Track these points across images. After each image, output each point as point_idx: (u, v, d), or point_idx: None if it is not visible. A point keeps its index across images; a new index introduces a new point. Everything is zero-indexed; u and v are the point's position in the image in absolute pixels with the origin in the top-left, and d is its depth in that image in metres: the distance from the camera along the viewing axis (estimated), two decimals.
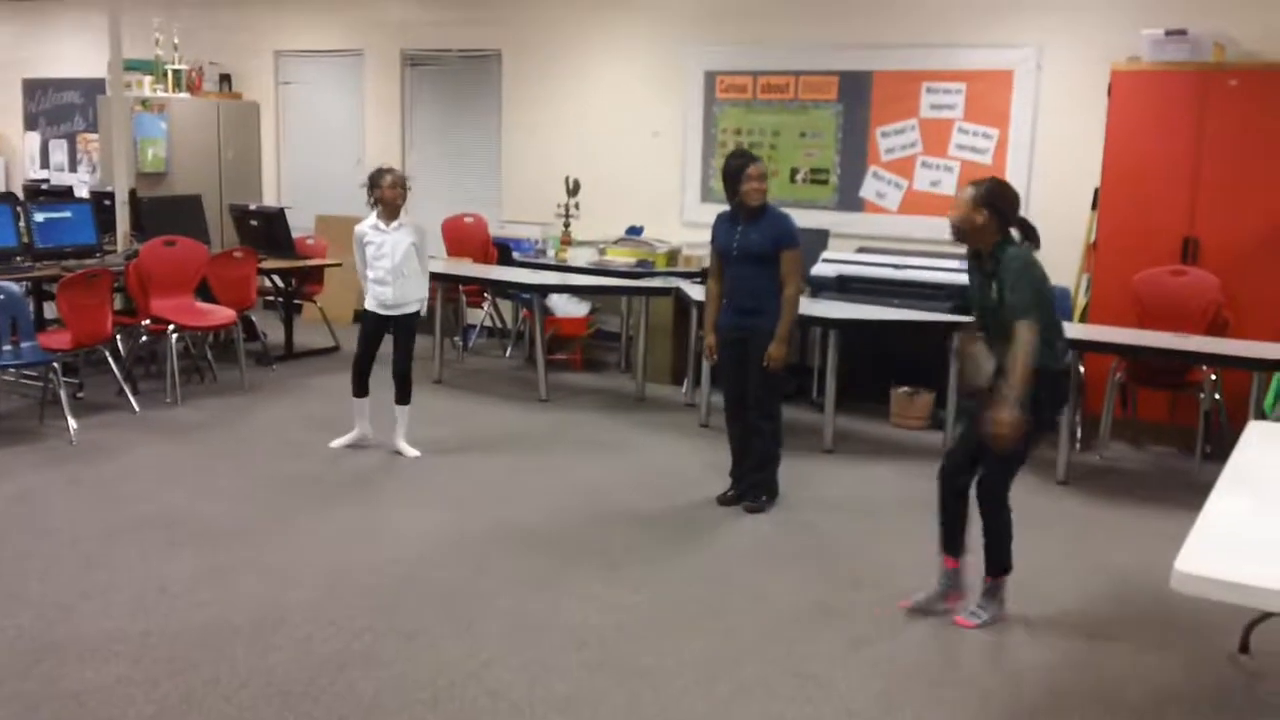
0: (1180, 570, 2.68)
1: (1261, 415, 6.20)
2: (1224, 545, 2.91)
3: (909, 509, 5.79)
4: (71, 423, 6.57)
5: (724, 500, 5.76)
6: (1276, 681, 3.96)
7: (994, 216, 4.23)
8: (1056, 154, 7.62)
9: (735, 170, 5.54)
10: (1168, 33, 6.81)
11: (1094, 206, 7.01)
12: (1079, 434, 6.72)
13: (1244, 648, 4.23)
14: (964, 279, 7.19)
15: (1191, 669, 4.10)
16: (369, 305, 6.29)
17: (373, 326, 6.30)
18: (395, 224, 6.16)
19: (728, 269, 5.64)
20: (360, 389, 6.41)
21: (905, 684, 3.91)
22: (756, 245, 5.50)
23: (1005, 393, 4.12)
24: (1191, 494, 5.74)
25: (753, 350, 5.55)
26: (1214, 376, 6.55)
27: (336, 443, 6.46)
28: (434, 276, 7.96)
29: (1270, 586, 2.63)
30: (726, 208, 5.69)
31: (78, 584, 4.54)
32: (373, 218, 6.21)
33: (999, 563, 4.47)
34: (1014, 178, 7.73)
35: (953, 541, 4.53)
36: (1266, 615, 4.11)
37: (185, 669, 3.84)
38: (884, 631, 4.32)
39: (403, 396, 6.36)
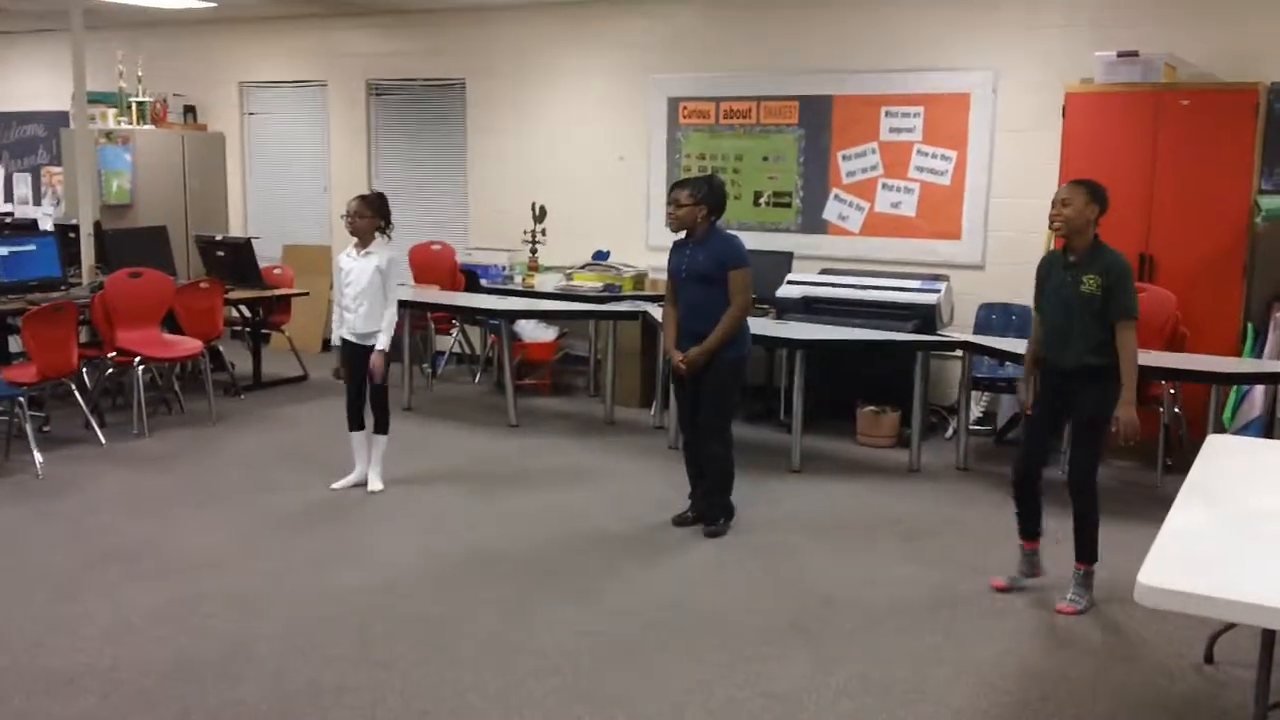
0: (1144, 583, 2.72)
1: (1220, 428, 6.30)
2: (1186, 558, 2.95)
3: (878, 526, 5.83)
4: (38, 456, 6.53)
5: (680, 521, 5.78)
6: (1241, 691, 4.01)
7: (1100, 214, 4.59)
8: (1013, 175, 7.73)
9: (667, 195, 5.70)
10: (1120, 54, 6.93)
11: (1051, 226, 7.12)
12: None
13: (1209, 658, 4.29)
14: (925, 298, 7.37)
15: (1157, 680, 4.15)
16: (342, 333, 6.20)
17: (348, 355, 6.23)
18: (365, 251, 6.14)
19: (680, 293, 5.70)
20: (353, 423, 6.32)
21: (875, 703, 3.94)
22: (703, 266, 5.56)
23: (1125, 394, 4.62)
24: (1153, 506, 5.80)
25: (704, 374, 5.59)
26: (1173, 391, 6.64)
27: (337, 485, 6.32)
28: (402, 304, 7.99)
29: (1232, 598, 2.67)
30: None
31: (46, 618, 4.51)
32: (350, 245, 6.22)
33: (1090, 550, 4.74)
34: (972, 199, 7.87)
35: (1029, 527, 4.94)
36: (1230, 626, 4.17)
37: (155, 703, 3.83)
38: (855, 651, 4.35)
39: (379, 426, 6.30)
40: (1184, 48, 7.06)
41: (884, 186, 8.23)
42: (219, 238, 9.43)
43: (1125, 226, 6.93)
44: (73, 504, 6.00)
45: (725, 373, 5.59)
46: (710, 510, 5.72)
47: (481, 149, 9.96)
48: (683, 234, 5.67)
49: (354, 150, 10.63)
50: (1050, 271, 4.79)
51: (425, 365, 9.46)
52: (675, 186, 5.66)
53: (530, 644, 4.34)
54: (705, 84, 8.83)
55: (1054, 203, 4.65)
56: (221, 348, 8.77)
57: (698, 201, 5.55)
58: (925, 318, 7.36)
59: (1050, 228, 4.70)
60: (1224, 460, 4.03)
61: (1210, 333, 6.74)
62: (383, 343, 6.13)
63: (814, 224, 8.52)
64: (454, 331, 9.80)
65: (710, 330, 5.53)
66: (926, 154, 8.05)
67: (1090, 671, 4.21)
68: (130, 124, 10.60)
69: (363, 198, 6.19)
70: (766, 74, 8.57)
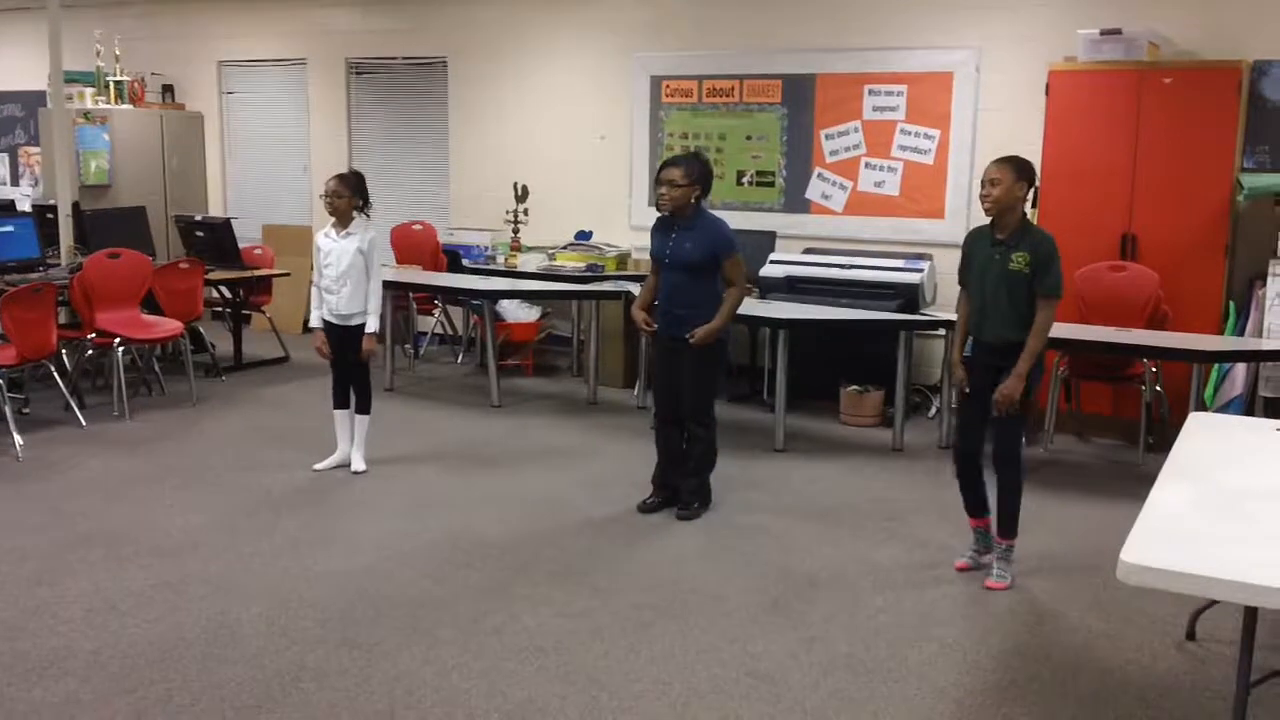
0: (1126, 561, 2.73)
1: (1202, 406, 6.33)
2: (1168, 536, 2.97)
3: (862, 506, 5.84)
4: (17, 439, 6.49)
5: (645, 507, 5.69)
6: (1223, 667, 4.04)
7: (1028, 191, 4.65)
8: (997, 154, 7.53)
9: (656, 173, 5.56)
10: (1103, 32, 6.92)
11: (1034, 205, 7.07)
12: None
13: (1190, 635, 4.31)
14: (908, 278, 7.37)
15: (1140, 657, 4.17)
16: (324, 315, 6.15)
17: (332, 337, 6.18)
18: (345, 232, 6.10)
19: (662, 274, 5.59)
20: (336, 401, 6.31)
21: (859, 681, 3.95)
22: (690, 254, 5.43)
23: (1019, 366, 4.62)
24: (1135, 484, 5.85)
25: (686, 359, 5.51)
26: (1154, 369, 6.66)
27: (319, 465, 6.30)
28: (384, 284, 7.95)
29: (1214, 575, 2.68)
30: None
31: (26, 601, 4.48)
32: (329, 225, 6.17)
33: (1013, 525, 4.82)
34: (955, 178, 7.87)
35: (975, 505, 4.97)
36: (1211, 603, 4.20)
37: (137, 686, 3.81)
38: (838, 630, 4.36)
39: (360, 406, 6.28)
40: (1167, 26, 7.06)
41: (867, 165, 8.22)
42: (198, 218, 9.36)
43: (1108, 205, 6.96)
44: (53, 486, 5.97)
45: (708, 353, 5.53)
46: (688, 494, 5.66)
47: (463, 128, 9.90)
48: (666, 212, 5.54)
49: (334, 129, 10.56)
50: (975, 248, 4.81)
51: (407, 346, 9.43)
52: (666, 165, 5.47)
53: (513, 625, 4.34)
54: (688, 62, 8.79)
55: (983, 182, 4.67)
56: (202, 329, 8.72)
57: (691, 182, 5.40)
58: (908, 297, 7.36)
59: (982, 208, 4.70)
60: (1206, 438, 4.05)
61: (1192, 311, 6.76)
62: (372, 324, 6.13)
63: (797, 203, 8.51)
64: (436, 312, 9.76)
65: (692, 314, 5.45)
66: (910, 133, 8.04)
67: (1073, 650, 4.22)
68: (108, 104, 10.52)
69: (340, 177, 6.13)
70: (749, 53, 8.54)
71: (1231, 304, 6.83)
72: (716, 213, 5.72)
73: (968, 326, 4.93)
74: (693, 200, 5.45)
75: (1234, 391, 6.60)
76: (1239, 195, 6.65)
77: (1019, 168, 4.65)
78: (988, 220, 4.74)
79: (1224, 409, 6.52)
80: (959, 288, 4.98)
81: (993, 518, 4.93)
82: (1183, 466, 3.63)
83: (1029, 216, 4.77)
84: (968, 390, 4.90)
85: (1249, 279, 6.89)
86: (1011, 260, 4.62)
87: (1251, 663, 3.20)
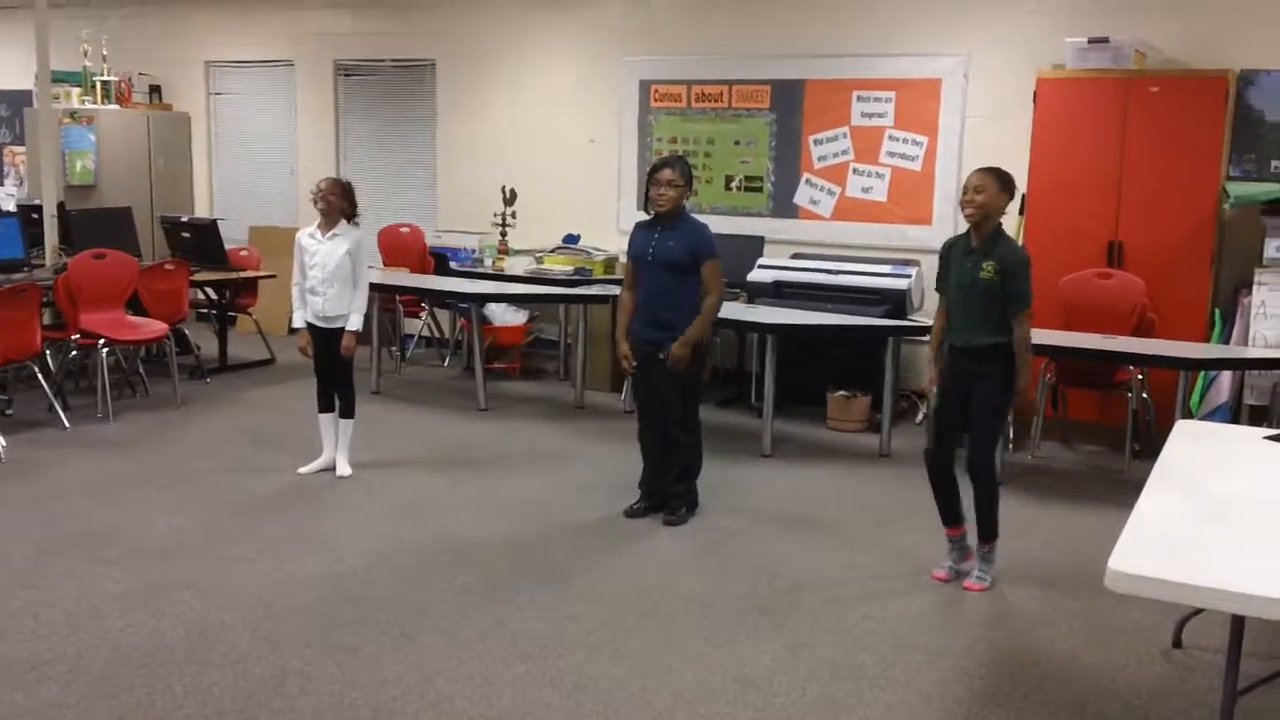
0: (1115, 569, 2.74)
1: (1188, 414, 6.34)
2: (1156, 544, 2.97)
3: (848, 511, 5.84)
4: (0, 439, 6.46)
5: (631, 513, 5.69)
6: (1209, 675, 4.04)
7: (1008, 203, 4.71)
8: (984, 160, 7.48)
9: (649, 173, 5.55)
10: (1090, 41, 6.94)
11: (1021, 212, 7.11)
12: (1011, 434, 6.81)
13: (1177, 643, 4.32)
14: (895, 284, 7.38)
15: (1127, 665, 4.17)
16: (307, 318, 6.11)
17: (316, 339, 6.15)
18: (332, 233, 6.07)
19: (642, 277, 5.56)
20: (321, 404, 6.28)
21: (845, 687, 3.94)
22: (673, 253, 5.42)
23: (1020, 382, 4.74)
24: (1121, 492, 5.86)
25: (665, 365, 5.48)
26: (1141, 376, 6.68)
27: (304, 469, 6.27)
28: (371, 287, 7.92)
29: (1202, 584, 2.69)
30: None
31: (7, 604, 4.45)
32: (313, 225, 6.14)
33: (993, 528, 4.86)
34: (943, 185, 7.88)
35: (949, 514, 4.99)
36: (1197, 611, 4.20)
37: (119, 691, 3.78)
38: (824, 635, 4.35)
39: (344, 410, 6.25)
40: (1155, 35, 7.08)
41: (855, 171, 8.23)
42: (184, 219, 9.33)
43: (1095, 212, 6.98)
44: (36, 488, 5.92)
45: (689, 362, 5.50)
46: (674, 499, 5.65)
47: (451, 131, 9.89)
48: (650, 216, 5.52)
49: (321, 131, 10.53)
50: (952, 255, 4.87)
51: (393, 349, 9.40)
52: (661, 166, 5.44)
53: (498, 630, 4.32)
54: (677, 67, 8.79)
55: (965, 189, 4.71)
56: (187, 330, 8.67)
57: (685, 182, 5.44)
58: (896, 303, 7.37)
59: (964, 215, 4.74)
60: (1192, 446, 4.05)
61: (1178, 318, 6.77)
62: (354, 323, 6.10)
63: (785, 208, 8.52)
64: (423, 315, 9.74)
65: (674, 317, 5.44)
66: (898, 139, 8.05)
67: (1059, 657, 4.22)
68: (94, 104, 10.48)
69: (333, 179, 6.13)
70: (738, 57, 8.54)
71: (1217, 311, 6.85)
72: (703, 217, 5.75)
73: (942, 333, 4.96)
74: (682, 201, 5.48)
75: (1219, 399, 6.62)
76: (1225, 203, 6.67)
77: (1002, 179, 4.69)
78: (968, 227, 4.77)
79: (1210, 416, 6.53)
80: (938, 295, 5.00)
81: (967, 526, 4.95)
82: (1170, 474, 3.63)
83: (1016, 224, 4.80)
84: (935, 393, 4.94)
85: (1235, 287, 6.91)
86: (982, 268, 4.67)
87: (1238, 671, 3.20)
